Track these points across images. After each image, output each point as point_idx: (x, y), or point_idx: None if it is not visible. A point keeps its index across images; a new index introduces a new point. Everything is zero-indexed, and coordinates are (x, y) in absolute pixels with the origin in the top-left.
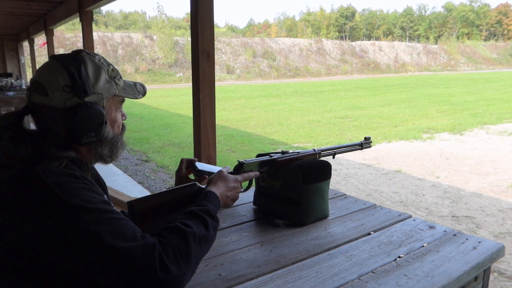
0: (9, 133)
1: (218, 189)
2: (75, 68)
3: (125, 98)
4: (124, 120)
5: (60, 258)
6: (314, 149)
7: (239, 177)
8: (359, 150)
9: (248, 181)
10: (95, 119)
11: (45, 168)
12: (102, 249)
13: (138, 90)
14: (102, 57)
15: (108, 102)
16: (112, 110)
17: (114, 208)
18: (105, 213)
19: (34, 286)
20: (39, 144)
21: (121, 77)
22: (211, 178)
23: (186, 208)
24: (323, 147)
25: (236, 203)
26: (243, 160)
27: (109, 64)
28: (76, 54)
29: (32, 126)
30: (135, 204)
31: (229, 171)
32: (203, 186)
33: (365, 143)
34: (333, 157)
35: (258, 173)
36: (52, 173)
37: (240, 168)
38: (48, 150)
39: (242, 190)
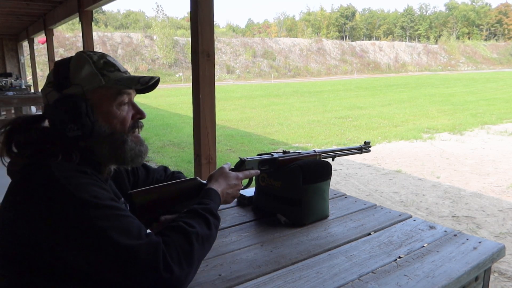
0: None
1: (219, 186)
2: (61, 66)
3: (135, 95)
4: (140, 118)
5: (65, 252)
6: (314, 150)
7: (240, 174)
8: (358, 154)
9: (248, 179)
10: (70, 110)
11: (56, 163)
12: (107, 245)
13: (139, 82)
14: (100, 53)
15: (96, 94)
16: (104, 103)
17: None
18: (112, 210)
19: (39, 280)
20: (45, 141)
21: (118, 70)
22: (212, 174)
23: (185, 202)
24: (323, 149)
25: (236, 203)
26: (244, 158)
27: (101, 58)
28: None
29: None
30: (135, 196)
31: (230, 167)
32: (204, 182)
33: (365, 148)
34: (333, 159)
35: (259, 171)
36: (62, 168)
37: (241, 165)
38: (51, 147)
39: (242, 187)
